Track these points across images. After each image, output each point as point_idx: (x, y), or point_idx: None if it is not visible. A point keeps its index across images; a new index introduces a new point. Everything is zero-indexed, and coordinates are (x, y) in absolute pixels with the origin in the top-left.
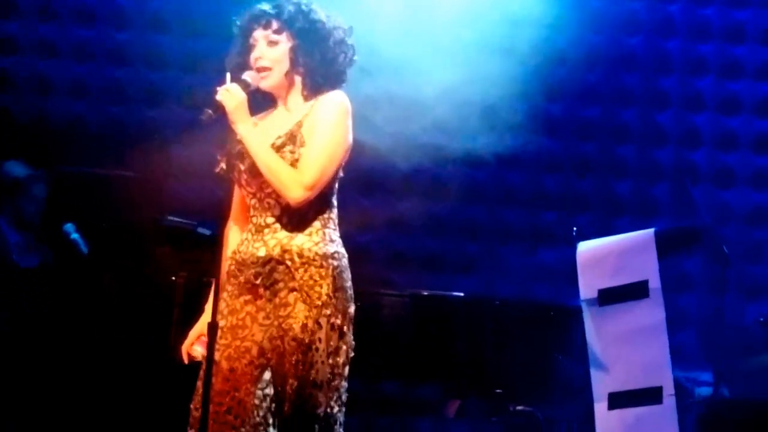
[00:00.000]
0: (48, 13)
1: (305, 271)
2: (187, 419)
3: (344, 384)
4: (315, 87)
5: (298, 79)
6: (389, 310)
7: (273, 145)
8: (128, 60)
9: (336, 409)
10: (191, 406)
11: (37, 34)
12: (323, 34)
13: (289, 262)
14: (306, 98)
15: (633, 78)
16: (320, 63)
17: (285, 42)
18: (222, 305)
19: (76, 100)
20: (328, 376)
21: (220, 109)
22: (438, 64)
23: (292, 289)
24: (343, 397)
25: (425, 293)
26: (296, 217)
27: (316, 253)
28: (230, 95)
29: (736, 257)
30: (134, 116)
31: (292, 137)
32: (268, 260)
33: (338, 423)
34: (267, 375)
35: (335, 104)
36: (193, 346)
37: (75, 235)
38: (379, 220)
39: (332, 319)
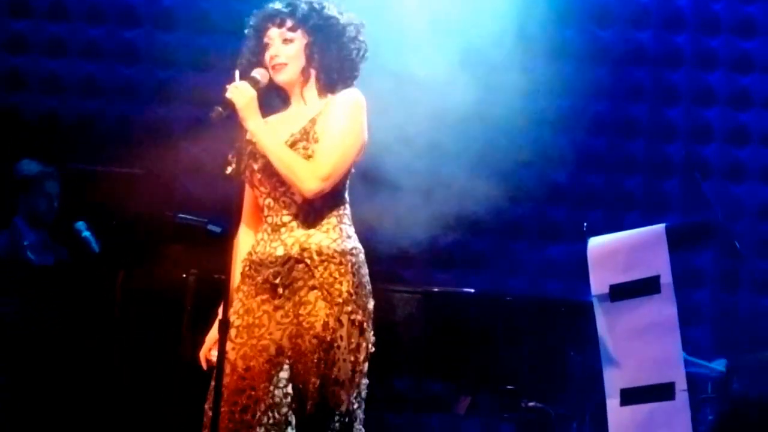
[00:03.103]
0: (58, 12)
1: (325, 268)
2: (202, 419)
3: (364, 381)
4: (329, 83)
5: (312, 76)
6: (400, 306)
7: (287, 141)
8: (138, 58)
9: (356, 405)
10: (205, 406)
11: (47, 32)
12: (337, 31)
13: (308, 260)
14: (320, 94)
15: (642, 73)
16: (335, 59)
17: (300, 39)
18: (237, 305)
19: (87, 98)
20: (350, 373)
21: (229, 107)
22: (451, 60)
23: (312, 287)
24: (363, 394)
25: (436, 290)
26: (312, 215)
27: (335, 250)
28: (240, 92)
29: (748, 252)
30: (144, 114)
31: (306, 134)
32: (287, 259)
33: (358, 420)
34: (285, 374)
35: (350, 100)
36: (211, 351)
37: (86, 233)
38: (387, 217)
39: (353, 316)
